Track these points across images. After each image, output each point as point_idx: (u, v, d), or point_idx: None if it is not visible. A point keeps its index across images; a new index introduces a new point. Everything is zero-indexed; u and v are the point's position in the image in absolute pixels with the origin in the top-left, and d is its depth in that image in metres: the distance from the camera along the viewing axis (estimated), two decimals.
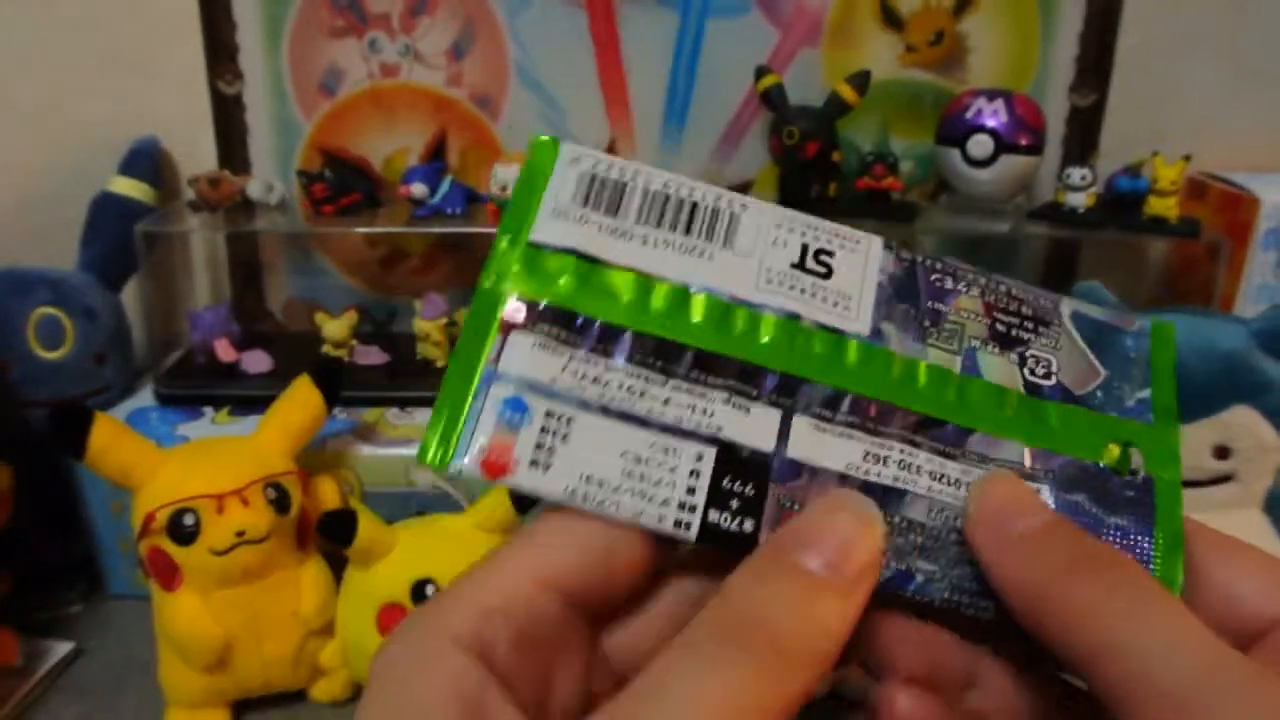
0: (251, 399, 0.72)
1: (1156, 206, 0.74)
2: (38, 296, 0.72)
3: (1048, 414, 0.25)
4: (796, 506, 0.23)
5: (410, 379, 0.77)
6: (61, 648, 0.66)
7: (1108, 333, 0.26)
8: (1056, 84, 0.82)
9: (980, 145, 0.75)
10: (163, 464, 0.58)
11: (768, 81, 0.78)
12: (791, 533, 0.21)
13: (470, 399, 0.23)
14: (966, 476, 0.24)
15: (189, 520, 0.56)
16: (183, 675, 0.59)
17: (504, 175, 0.74)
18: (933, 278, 0.26)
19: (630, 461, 0.23)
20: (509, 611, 0.21)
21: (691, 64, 0.82)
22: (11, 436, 0.66)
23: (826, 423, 0.24)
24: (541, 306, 0.24)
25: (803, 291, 0.25)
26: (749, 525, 0.23)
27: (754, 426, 0.23)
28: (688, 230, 0.25)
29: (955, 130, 0.76)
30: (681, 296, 0.24)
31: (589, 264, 0.24)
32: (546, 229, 0.24)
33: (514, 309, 0.24)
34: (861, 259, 0.25)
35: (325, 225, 0.80)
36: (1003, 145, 0.75)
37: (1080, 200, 0.76)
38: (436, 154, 0.85)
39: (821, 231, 0.25)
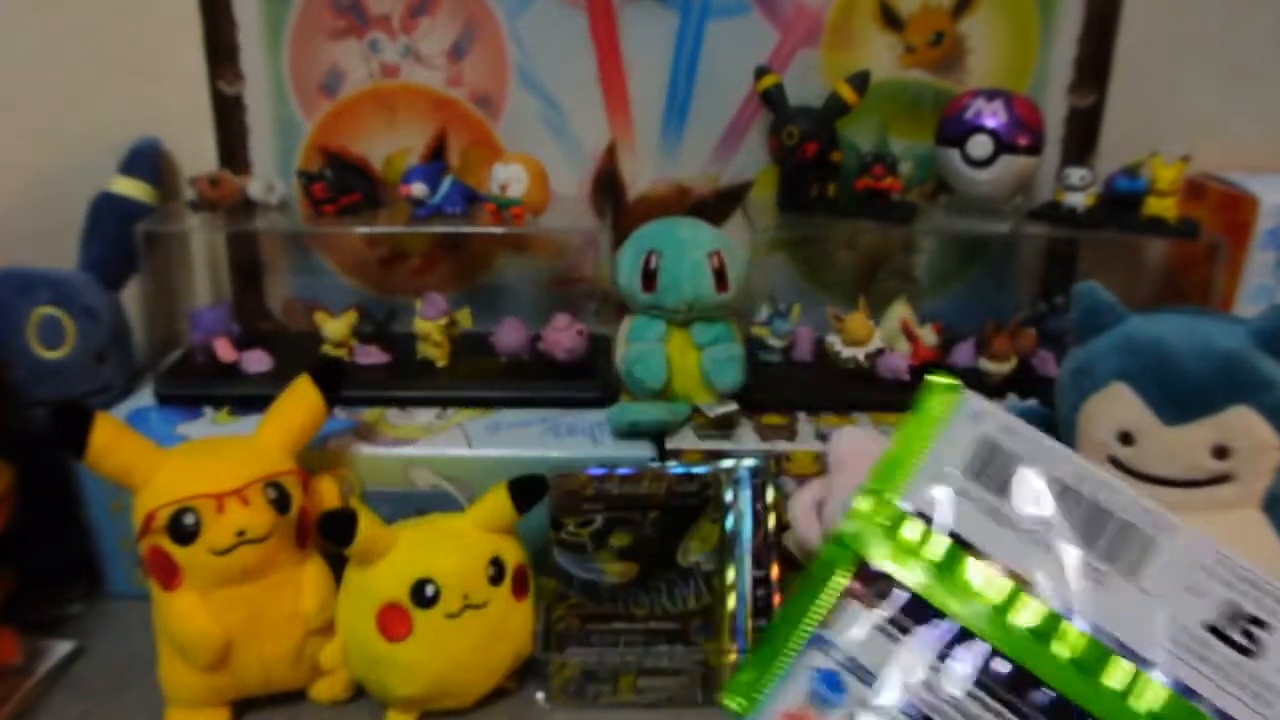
0: (251, 398, 0.72)
1: (1155, 207, 0.74)
2: (39, 296, 0.72)
3: None
4: None
5: (410, 379, 0.77)
6: (62, 647, 0.66)
7: None
8: (1055, 85, 0.82)
9: (979, 145, 0.75)
10: (163, 463, 0.58)
11: (767, 82, 0.78)
12: None
13: (787, 656, 0.21)
14: None
15: (189, 520, 0.56)
16: (183, 674, 0.59)
17: (504, 175, 0.74)
18: None
19: None
20: None
21: (691, 65, 0.82)
22: (12, 436, 0.66)
23: None
24: (894, 586, 0.21)
25: (1213, 666, 0.20)
26: None
27: None
28: (1087, 538, 0.20)
29: (955, 130, 0.76)
30: (1053, 622, 0.20)
31: (958, 548, 0.21)
32: (921, 495, 0.21)
33: (865, 577, 0.21)
34: None
35: (325, 225, 0.80)
36: (1002, 145, 0.75)
37: (1079, 200, 0.76)
38: (437, 154, 0.85)
39: (1258, 590, 0.20)
